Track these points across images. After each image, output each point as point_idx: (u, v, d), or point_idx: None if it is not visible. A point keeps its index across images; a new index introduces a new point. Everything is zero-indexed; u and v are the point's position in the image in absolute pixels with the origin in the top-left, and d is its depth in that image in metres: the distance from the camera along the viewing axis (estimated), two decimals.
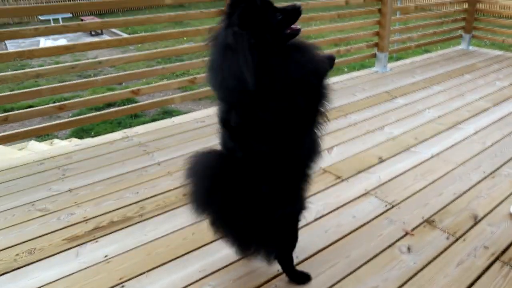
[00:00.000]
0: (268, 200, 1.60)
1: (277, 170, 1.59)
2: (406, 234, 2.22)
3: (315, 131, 1.63)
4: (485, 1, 6.55)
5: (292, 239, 1.84)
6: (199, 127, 3.62)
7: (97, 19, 12.32)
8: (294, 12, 1.47)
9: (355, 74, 5.37)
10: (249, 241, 1.73)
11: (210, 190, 1.61)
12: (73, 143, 3.51)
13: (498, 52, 6.38)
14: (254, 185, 1.57)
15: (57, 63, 8.72)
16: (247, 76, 1.36)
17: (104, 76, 3.44)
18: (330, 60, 1.63)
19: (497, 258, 2.03)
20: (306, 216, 2.33)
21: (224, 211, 1.63)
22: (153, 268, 2.00)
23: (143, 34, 3.52)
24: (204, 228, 2.25)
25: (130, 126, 4.49)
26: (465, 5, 6.49)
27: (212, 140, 3.29)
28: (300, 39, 1.54)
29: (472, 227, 2.28)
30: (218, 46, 1.46)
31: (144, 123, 5.47)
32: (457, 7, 6.63)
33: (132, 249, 2.13)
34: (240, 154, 1.57)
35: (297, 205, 1.74)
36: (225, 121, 1.59)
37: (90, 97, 3.48)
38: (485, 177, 2.78)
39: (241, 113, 1.51)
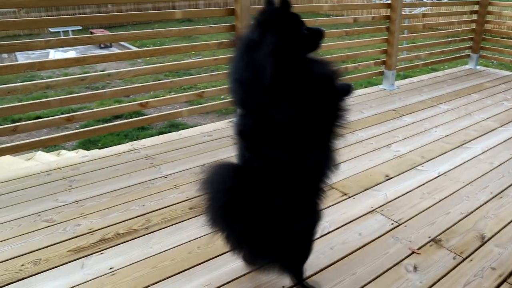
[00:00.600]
0: (284, 213, 1.60)
1: (292, 180, 1.59)
2: (413, 253, 2.20)
3: (330, 143, 1.63)
4: (493, 21, 6.59)
5: (307, 251, 1.84)
6: (206, 141, 3.64)
7: (106, 32, 12.50)
8: (318, 33, 1.54)
9: (362, 91, 5.39)
10: (264, 254, 1.73)
11: (226, 204, 1.60)
12: (80, 154, 3.53)
13: (506, 73, 6.39)
14: (270, 198, 1.57)
15: (66, 74, 8.83)
16: (268, 67, 1.38)
17: (113, 89, 3.48)
18: (349, 87, 1.64)
19: (504, 280, 2.01)
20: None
21: (241, 225, 1.62)
22: (158, 281, 1.99)
23: (152, 47, 3.57)
24: (210, 242, 2.26)
25: (137, 138, 4.53)
26: (473, 25, 6.53)
27: (219, 154, 3.34)
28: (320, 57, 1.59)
29: (479, 247, 2.25)
30: (241, 44, 1.50)
31: (151, 135, 5.51)
32: (464, 27, 6.67)
33: (137, 261, 2.13)
34: (256, 165, 1.57)
35: (313, 218, 1.74)
36: (241, 131, 1.60)
37: (98, 109, 3.51)
38: (493, 198, 2.77)
39: (256, 114, 1.51)
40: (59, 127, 6.26)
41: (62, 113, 5.40)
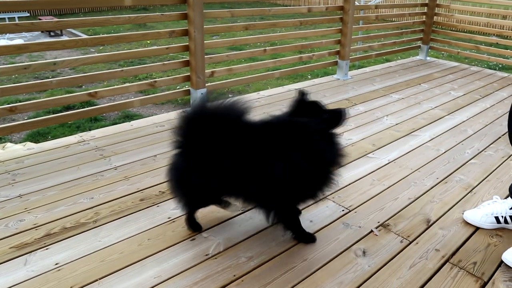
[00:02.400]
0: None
1: None
2: (371, 231, 2.30)
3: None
4: (442, 14, 6.82)
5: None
6: (159, 131, 3.57)
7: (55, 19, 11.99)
8: (339, 114, 1.93)
9: (317, 81, 5.45)
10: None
11: None
12: (26, 147, 3.37)
13: (454, 64, 6.65)
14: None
15: (12, 64, 8.40)
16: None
17: (59, 78, 3.32)
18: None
19: (447, 260, 2.10)
20: (263, 221, 2.33)
21: None
22: (106, 275, 1.93)
23: (101, 35, 3.43)
24: (160, 233, 2.22)
25: (90, 130, 4.37)
26: (424, 17, 6.74)
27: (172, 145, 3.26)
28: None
29: (425, 230, 2.34)
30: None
31: (104, 127, 5.34)
32: (416, 19, 6.87)
33: (85, 256, 2.06)
34: None
35: None
36: None
37: (43, 99, 3.34)
38: (438, 183, 2.88)
39: None
40: (6, 119, 5.97)
41: (9, 104, 5.13)
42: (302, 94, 1.91)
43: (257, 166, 1.87)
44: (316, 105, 1.92)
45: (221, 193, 2.12)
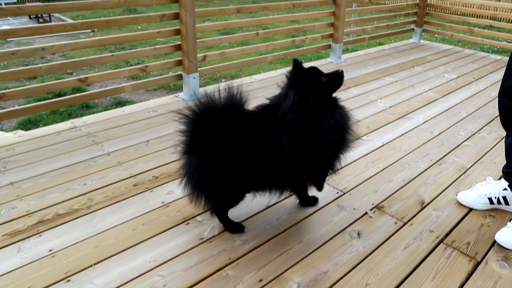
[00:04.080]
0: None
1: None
2: (366, 213, 2.31)
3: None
4: None
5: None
6: (151, 117, 3.53)
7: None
8: (337, 76, 1.98)
9: (309, 64, 5.39)
10: None
11: None
12: (17, 135, 3.33)
13: (447, 46, 6.63)
14: None
15: None
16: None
17: (48, 64, 3.26)
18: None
19: (441, 241, 2.11)
20: (258, 204, 2.33)
21: None
22: (101, 261, 1.93)
23: (90, 20, 3.37)
24: (154, 218, 2.21)
25: (82, 117, 4.33)
26: (417, 0, 6.69)
27: (164, 129, 3.25)
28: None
29: (419, 212, 2.35)
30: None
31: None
32: (410, 1, 6.82)
33: (79, 242, 2.05)
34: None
35: None
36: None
37: (31, 86, 3.28)
38: (432, 165, 2.88)
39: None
40: None
41: None
42: (297, 62, 1.91)
43: (267, 146, 1.84)
44: (314, 70, 1.94)
45: (244, 185, 1.98)
